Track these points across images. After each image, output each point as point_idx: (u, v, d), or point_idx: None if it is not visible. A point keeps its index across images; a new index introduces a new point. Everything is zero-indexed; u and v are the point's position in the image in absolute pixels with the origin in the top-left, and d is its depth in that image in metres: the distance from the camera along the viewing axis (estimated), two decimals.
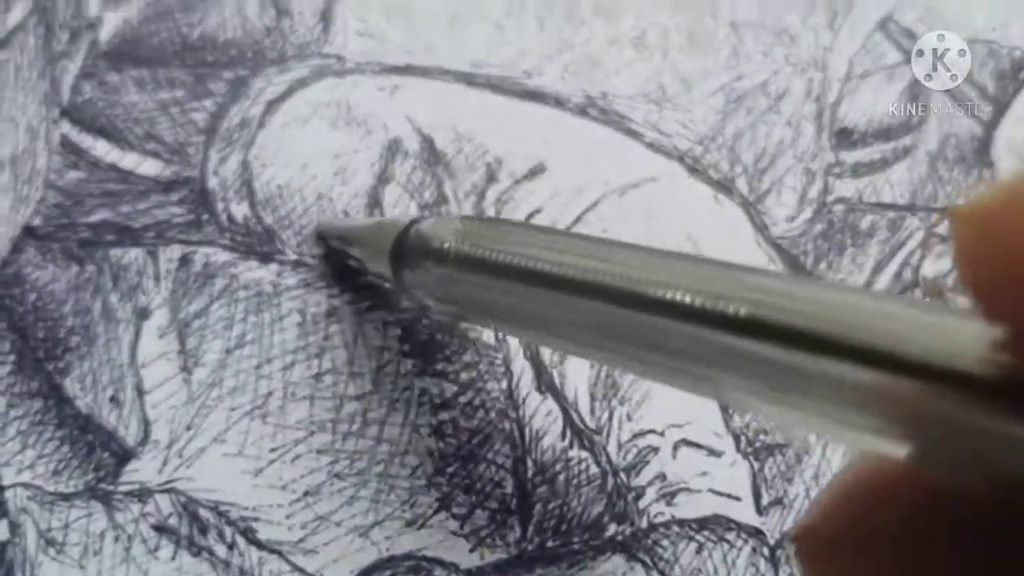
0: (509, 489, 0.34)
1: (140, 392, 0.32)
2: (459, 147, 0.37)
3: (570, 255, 0.22)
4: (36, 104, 0.37)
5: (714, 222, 0.37)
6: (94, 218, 0.35)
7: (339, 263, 0.37)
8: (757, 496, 0.33)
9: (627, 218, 0.38)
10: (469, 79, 0.38)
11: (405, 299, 0.34)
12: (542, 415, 0.34)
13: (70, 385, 0.33)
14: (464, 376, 0.35)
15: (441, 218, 0.30)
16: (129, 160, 0.36)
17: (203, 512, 0.33)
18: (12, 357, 0.35)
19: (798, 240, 0.37)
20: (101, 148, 0.36)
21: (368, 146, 0.37)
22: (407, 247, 0.28)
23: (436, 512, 0.33)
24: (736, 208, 0.37)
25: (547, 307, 0.23)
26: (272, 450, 0.34)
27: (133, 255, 0.34)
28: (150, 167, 0.36)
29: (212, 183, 0.37)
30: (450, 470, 0.34)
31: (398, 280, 0.30)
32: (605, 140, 0.38)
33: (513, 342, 0.35)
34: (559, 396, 0.34)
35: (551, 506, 0.34)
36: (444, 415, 0.34)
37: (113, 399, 0.32)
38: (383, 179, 0.38)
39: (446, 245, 0.26)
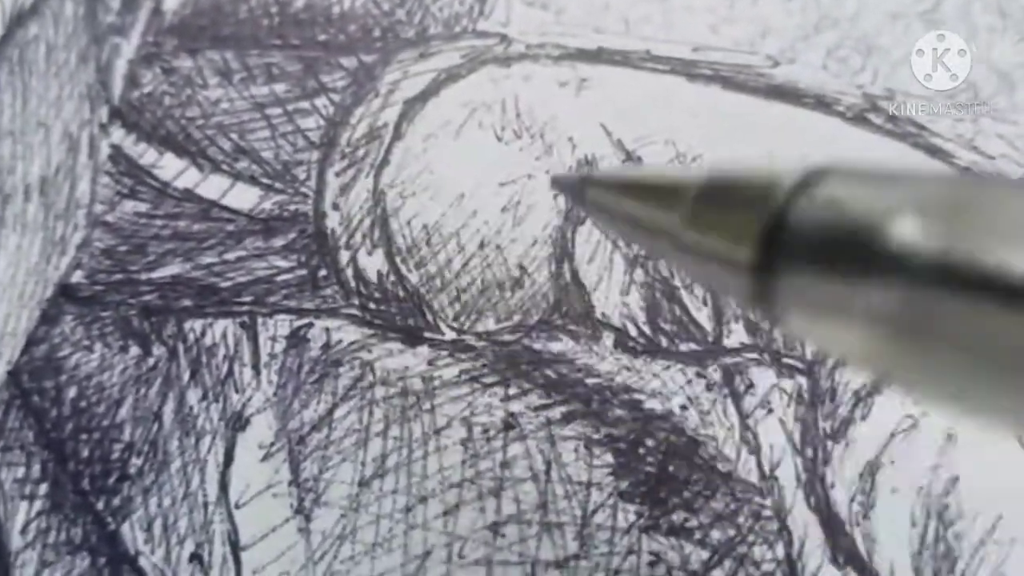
0: None
1: (235, 547, 0.21)
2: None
3: None
4: (76, 100, 0.28)
5: None
6: (162, 273, 0.24)
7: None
8: None
9: None
10: (690, 69, 0.27)
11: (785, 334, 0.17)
12: None
13: (130, 533, 0.22)
14: (717, 535, 0.23)
15: (871, 177, 0.12)
16: (211, 185, 0.27)
17: None
18: (45, 487, 0.23)
19: None
20: (169, 167, 0.25)
21: (548, 168, 0.26)
22: (802, 232, 0.11)
23: None
24: None
25: None
26: None
27: (220, 331, 0.23)
28: (242, 196, 0.26)
29: (331, 221, 0.26)
30: None
31: (763, 298, 0.12)
32: (899, 162, 0.25)
33: (787, 477, 0.23)
34: (866, 572, 0.23)
35: None
36: None
37: (195, 557, 0.21)
38: (572, 218, 0.26)
39: (907, 238, 0.11)
